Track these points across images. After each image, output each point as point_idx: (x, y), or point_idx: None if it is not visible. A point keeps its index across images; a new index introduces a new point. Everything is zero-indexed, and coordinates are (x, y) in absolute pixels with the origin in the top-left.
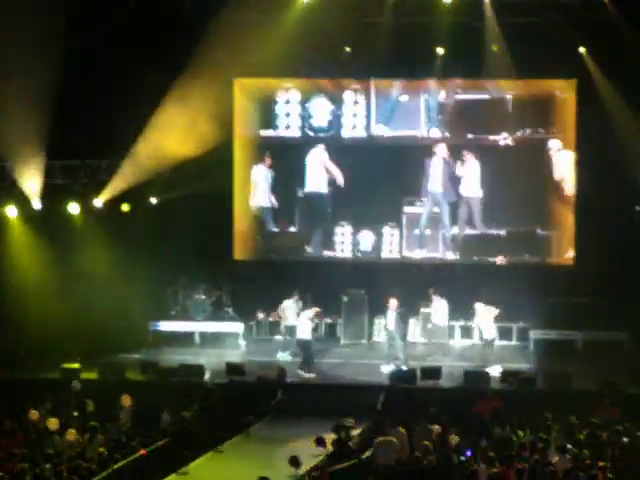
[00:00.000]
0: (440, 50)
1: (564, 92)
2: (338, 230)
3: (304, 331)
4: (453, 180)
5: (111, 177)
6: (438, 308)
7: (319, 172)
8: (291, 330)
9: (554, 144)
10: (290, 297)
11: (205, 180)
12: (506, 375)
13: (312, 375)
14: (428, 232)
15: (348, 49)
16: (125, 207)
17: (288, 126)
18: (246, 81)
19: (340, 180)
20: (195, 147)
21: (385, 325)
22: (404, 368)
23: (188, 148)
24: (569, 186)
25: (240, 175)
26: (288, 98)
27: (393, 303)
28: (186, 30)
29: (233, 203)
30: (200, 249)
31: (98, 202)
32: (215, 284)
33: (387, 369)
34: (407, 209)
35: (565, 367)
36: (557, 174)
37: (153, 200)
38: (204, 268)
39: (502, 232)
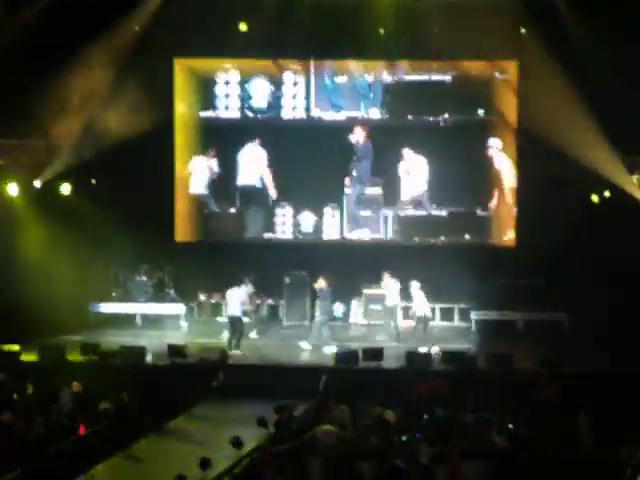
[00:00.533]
0: (381, 30)
1: (504, 74)
2: (279, 211)
3: (235, 308)
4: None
5: (51, 158)
6: (390, 289)
7: (252, 170)
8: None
9: (494, 143)
10: (239, 284)
11: (146, 161)
12: (448, 355)
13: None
14: (368, 213)
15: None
16: (65, 188)
17: (227, 107)
18: (186, 61)
19: (268, 182)
20: (136, 127)
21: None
22: (348, 349)
23: (129, 128)
24: (508, 179)
25: (181, 156)
26: (227, 79)
27: (320, 283)
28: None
29: (174, 185)
30: (141, 230)
31: (37, 183)
32: (156, 265)
33: (307, 347)
34: (348, 190)
35: (506, 347)
36: (497, 166)
37: (93, 181)
38: (145, 249)
39: (443, 213)
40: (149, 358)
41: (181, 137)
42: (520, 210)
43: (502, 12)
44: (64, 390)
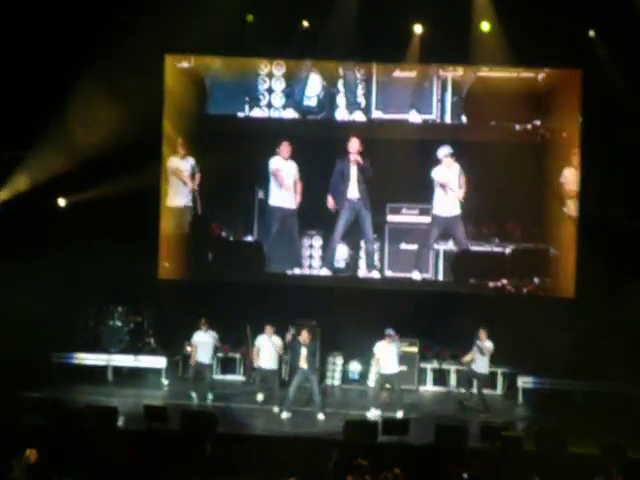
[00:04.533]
0: (418, 28)
1: (566, 84)
2: (305, 242)
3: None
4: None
5: (12, 173)
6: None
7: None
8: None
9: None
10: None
11: (126, 178)
12: (487, 431)
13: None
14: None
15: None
16: (28, 209)
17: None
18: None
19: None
20: (115, 139)
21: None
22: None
23: (106, 140)
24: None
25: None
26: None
27: (305, 336)
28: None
29: (160, 204)
30: (117, 263)
31: None
32: (134, 308)
33: (321, 417)
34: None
35: (560, 424)
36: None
37: (62, 202)
38: (121, 287)
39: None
40: (121, 422)
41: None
42: (581, 251)
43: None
44: (17, 460)
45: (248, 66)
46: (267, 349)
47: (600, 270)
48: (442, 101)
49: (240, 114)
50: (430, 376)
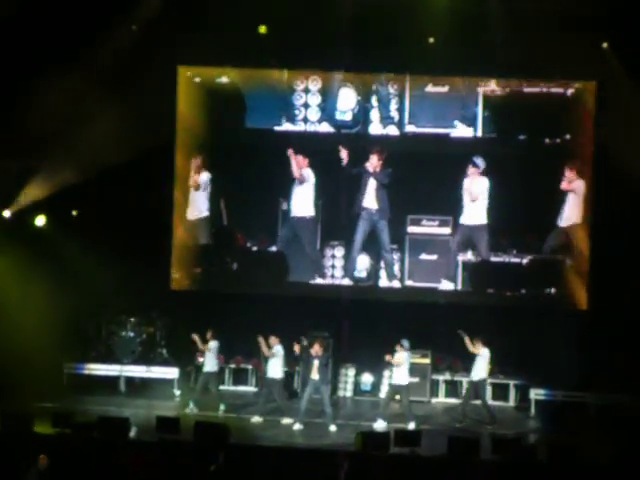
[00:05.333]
0: (431, 40)
1: (580, 96)
2: (328, 252)
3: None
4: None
5: (24, 183)
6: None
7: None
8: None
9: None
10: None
11: (139, 189)
12: (499, 443)
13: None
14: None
15: None
16: (40, 220)
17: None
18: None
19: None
20: (129, 149)
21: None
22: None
23: (120, 150)
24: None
25: (182, 182)
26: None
27: (316, 348)
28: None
29: (172, 215)
30: (130, 274)
31: (7, 213)
32: (147, 319)
33: (333, 428)
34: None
35: (573, 437)
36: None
37: (74, 212)
38: (134, 298)
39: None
40: (133, 433)
41: (183, 159)
42: (594, 263)
43: (580, 22)
44: (32, 470)
45: (283, 81)
46: (273, 359)
47: (615, 281)
48: (473, 115)
49: (277, 128)
50: (442, 388)
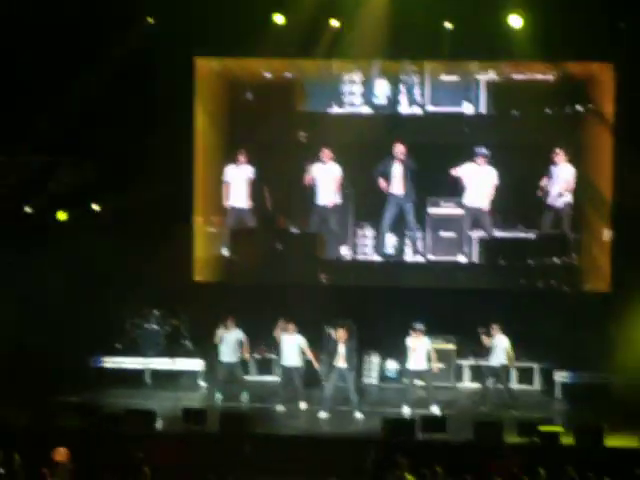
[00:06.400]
0: (448, 25)
1: (599, 78)
2: (359, 232)
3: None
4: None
5: (46, 177)
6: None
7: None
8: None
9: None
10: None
11: (160, 182)
12: (524, 427)
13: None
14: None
15: None
16: (62, 215)
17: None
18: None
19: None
20: (148, 142)
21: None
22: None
23: (141, 140)
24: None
25: (202, 174)
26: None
27: (341, 334)
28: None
29: (193, 207)
30: (153, 267)
31: (29, 208)
32: (170, 311)
33: (359, 415)
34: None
35: (598, 419)
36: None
37: (96, 207)
38: (157, 290)
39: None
40: (159, 424)
41: (203, 152)
42: (617, 242)
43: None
44: (59, 466)
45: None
46: (289, 346)
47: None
48: (477, 98)
49: (329, 110)
50: (467, 373)
